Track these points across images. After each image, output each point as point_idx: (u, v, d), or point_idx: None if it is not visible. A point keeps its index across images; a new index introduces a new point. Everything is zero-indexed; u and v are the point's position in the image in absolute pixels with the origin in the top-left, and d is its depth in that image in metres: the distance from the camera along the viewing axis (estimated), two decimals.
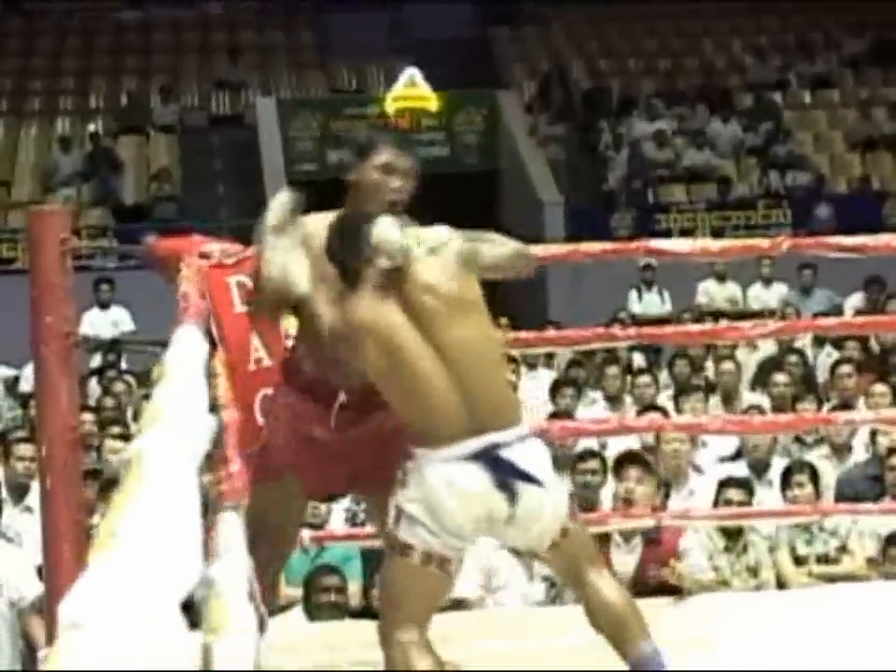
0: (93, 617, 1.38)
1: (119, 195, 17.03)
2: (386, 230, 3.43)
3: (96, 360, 11.71)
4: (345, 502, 6.59)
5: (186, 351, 2.48)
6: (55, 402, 4.18)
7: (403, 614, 3.36)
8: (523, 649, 4.31)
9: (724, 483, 6.23)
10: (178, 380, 2.22)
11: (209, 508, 2.35)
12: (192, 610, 1.82)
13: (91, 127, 18.34)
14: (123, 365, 11.24)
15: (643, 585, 5.35)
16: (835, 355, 10.90)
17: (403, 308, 3.41)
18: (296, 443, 3.61)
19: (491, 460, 3.34)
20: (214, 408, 2.91)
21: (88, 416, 7.74)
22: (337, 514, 6.59)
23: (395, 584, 3.42)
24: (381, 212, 3.51)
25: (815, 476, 6.47)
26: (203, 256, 4.23)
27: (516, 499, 3.35)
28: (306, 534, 4.84)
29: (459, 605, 5.27)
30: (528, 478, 3.37)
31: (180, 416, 2.00)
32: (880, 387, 7.95)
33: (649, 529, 5.49)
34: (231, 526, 2.22)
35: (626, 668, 3.43)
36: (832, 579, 6.08)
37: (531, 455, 3.41)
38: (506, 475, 3.35)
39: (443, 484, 3.32)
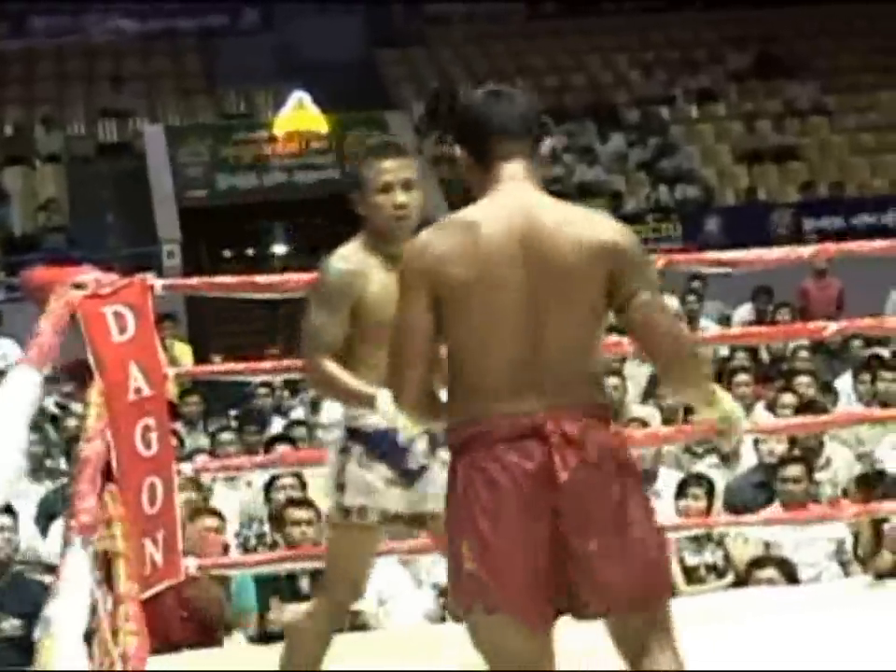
0: None
1: (6, 226, 16.80)
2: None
3: None
4: (236, 526, 6.53)
5: (10, 393, 2.44)
6: None
7: None
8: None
9: None
10: None
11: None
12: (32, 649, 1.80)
13: None
14: None
15: None
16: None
17: None
18: None
19: None
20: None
21: None
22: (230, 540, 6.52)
23: None
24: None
25: (711, 489, 6.51)
26: (78, 286, 4.19)
27: None
28: (192, 563, 4.76)
29: (356, 616, 5.23)
30: None
31: None
32: (788, 398, 7.97)
33: None
34: (77, 564, 2.17)
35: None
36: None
37: None
38: None
39: None
